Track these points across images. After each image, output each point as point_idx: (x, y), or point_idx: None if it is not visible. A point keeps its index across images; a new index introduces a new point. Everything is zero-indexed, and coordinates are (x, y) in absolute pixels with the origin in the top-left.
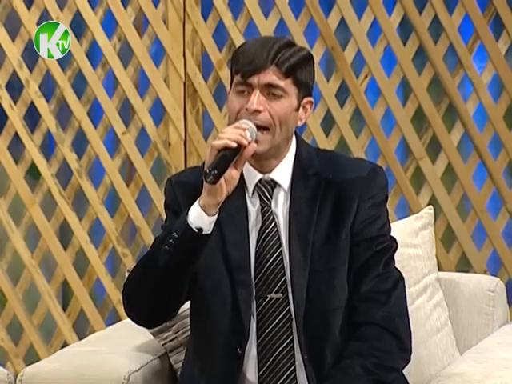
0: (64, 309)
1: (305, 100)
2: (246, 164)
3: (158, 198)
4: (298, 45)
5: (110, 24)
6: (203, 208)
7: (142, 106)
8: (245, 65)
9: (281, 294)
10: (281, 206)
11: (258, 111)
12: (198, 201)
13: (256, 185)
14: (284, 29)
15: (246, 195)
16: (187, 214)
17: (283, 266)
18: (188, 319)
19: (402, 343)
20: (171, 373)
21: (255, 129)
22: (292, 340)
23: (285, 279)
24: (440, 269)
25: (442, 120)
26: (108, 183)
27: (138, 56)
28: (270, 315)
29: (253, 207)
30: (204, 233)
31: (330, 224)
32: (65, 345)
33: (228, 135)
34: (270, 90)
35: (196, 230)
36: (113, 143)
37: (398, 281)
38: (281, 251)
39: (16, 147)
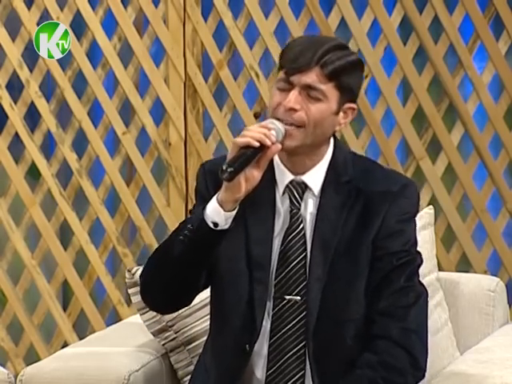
0: (64, 309)
1: (346, 105)
2: (279, 163)
3: (158, 197)
4: (350, 49)
5: (110, 24)
6: (220, 203)
7: (142, 106)
8: (289, 62)
9: (299, 298)
10: (309, 210)
11: (293, 109)
12: (216, 195)
13: (287, 185)
14: (284, 29)
15: (277, 194)
16: (204, 207)
17: (305, 270)
18: (188, 319)
19: (415, 361)
20: (171, 373)
21: (282, 130)
22: (305, 345)
23: (305, 284)
24: (440, 269)
25: (442, 120)
26: (108, 183)
27: (138, 56)
28: (287, 317)
29: (282, 207)
30: (219, 228)
31: (353, 234)
32: (65, 345)
33: (252, 134)
34: (309, 91)
35: (211, 225)
36: (113, 143)
37: (419, 296)
38: (305, 255)
39: (16, 147)
